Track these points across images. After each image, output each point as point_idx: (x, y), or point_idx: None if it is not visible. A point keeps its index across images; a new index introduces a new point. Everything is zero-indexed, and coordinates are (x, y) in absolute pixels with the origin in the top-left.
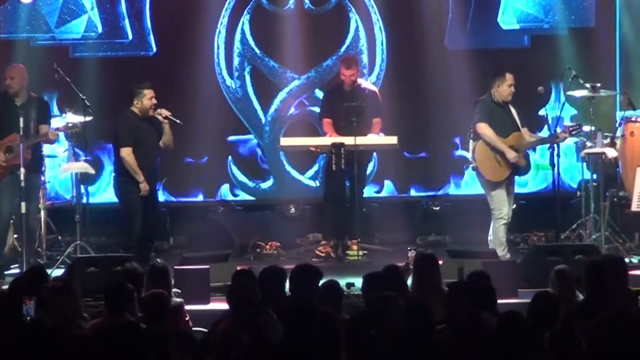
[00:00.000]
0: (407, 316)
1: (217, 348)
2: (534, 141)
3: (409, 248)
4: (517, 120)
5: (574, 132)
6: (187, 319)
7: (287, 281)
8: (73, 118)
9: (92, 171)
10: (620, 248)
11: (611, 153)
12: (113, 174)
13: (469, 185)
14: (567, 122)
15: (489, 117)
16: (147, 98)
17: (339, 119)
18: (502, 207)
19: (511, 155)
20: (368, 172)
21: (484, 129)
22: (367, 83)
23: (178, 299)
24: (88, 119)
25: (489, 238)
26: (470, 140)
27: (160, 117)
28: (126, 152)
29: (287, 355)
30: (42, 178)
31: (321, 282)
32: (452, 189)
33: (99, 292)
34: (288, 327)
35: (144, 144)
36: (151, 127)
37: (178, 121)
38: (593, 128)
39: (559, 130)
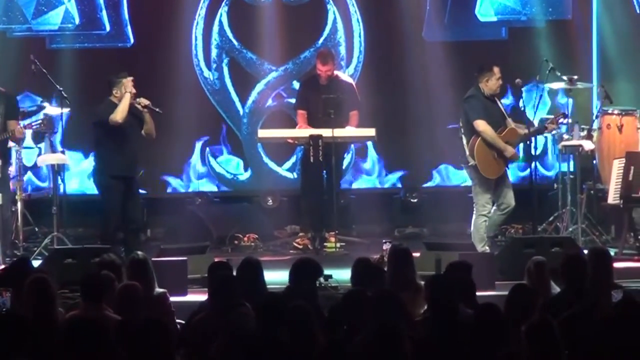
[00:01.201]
0: (377, 309)
1: (194, 339)
2: (526, 133)
3: (383, 241)
4: (504, 112)
5: (561, 122)
6: (172, 309)
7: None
8: (50, 110)
9: (68, 162)
10: (596, 240)
11: (588, 145)
12: (93, 164)
13: (446, 177)
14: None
15: (483, 112)
16: (126, 86)
17: (317, 111)
18: (486, 204)
19: (510, 153)
20: (345, 164)
21: (483, 126)
22: (345, 75)
23: (161, 289)
24: (65, 110)
25: (471, 231)
26: (463, 137)
27: (139, 107)
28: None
29: (263, 347)
30: (10, 169)
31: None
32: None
33: (76, 283)
34: (263, 320)
35: (123, 132)
36: (131, 116)
37: (157, 110)
38: (570, 120)
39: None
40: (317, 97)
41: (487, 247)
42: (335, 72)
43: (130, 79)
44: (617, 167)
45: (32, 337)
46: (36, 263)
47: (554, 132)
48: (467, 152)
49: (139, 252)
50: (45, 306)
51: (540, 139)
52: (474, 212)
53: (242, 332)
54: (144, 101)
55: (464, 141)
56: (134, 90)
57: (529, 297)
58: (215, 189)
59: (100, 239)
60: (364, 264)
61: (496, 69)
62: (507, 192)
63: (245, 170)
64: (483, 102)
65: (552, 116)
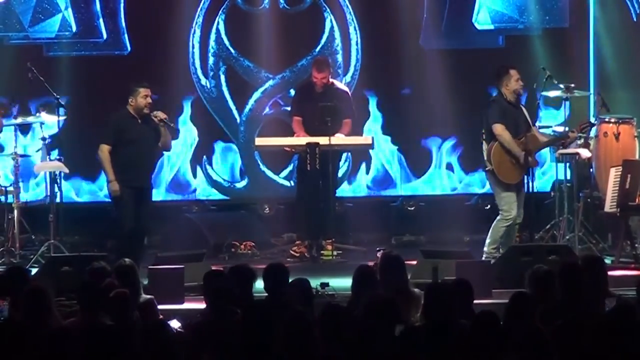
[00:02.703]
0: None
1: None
2: (546, 142)
3: (377, 248)
4: (529, 120)
5: (584, 130)
6: (159, 316)
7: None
8: (47, 117)
9: (66, 170)
10: (593, 249)
11: (585, 154)
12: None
13: (444, 184)
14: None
15: (503, 117)
16: (141, 96)
17: (313, 119)
18: (512, 208)
19: (523, 159)
20: (342, 172)
21: (500, 130)
22: (340, 83)
23: (148, 296)
24: (62, 118)
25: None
26: (483, 142)
27: (155, 120)
28: (101, 149)
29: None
30: None
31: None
32: (426, 189)
33: (73, 291)
34: (261, 326)
35: (137, 143)
36: (147, 126)
37: (172, 125)
38: (567, 128)
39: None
40: (313, 104)
41: (496, 252)
42: (331, 80)
43: (145, 89)
44: (614, 175)
45: (29, 345)
46: (33, 271)
47: (579, 140)
48: (485, 157)
49: (126, 259)
50: (43, 315)
51: None
52: (499, 215)
53: (234, 340)
54: (161, 115)
55: (485, 146)
56: (149, 100)
57: (529, 305)
58: (212, 196)
59: (114, 248)
60: (366, 271)
61: (513, 71)
62: (520, 204)
63: (242, 178)
64: (504, 107)
65: (584, 122)
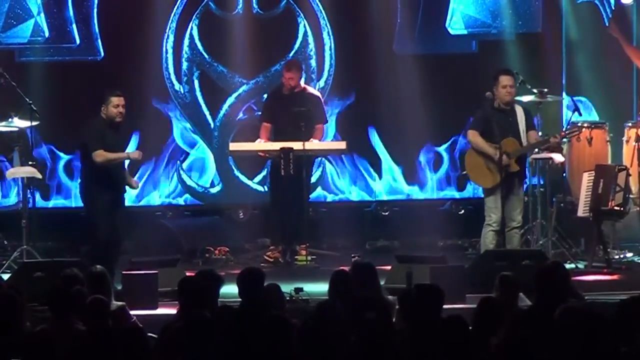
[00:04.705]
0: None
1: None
2: (526, 146)
3: (352, 255)
4: (519, 125)
5: (568, 135)
6: (133, 320)
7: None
8: (19, 123)
9: (39, 176)
10: (566, 253)
11: (558, 158)
12: (79, 181)
13: (418, 190)
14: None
15: (482, 123)
16: (112, 105)
17: (285, 124)
18: (492, 213)
19: (497, 156)
20: (315, 177)
21: (470, 136)
22: (312, 89)
23: (119, 302)
24: (35, 123)
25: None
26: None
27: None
28: (98, 154)
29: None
30: None
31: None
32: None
33: (46, 297)
34: (240, 332)
35: (112, 151)
36: (118, 135)
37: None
38: (540, 133)
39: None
40: (285, 109)
41: None
42: (304, 85)
43: (117, 98)
44: (586, 180)
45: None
46: (5, 276)
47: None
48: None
49: (98, 266)
50: (14, 321)
51: None
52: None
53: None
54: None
55: None
56: (121, 110)
57: (496, 310)
58: (186, 202)
59: (88, 254)
60: (342, 276)
61: (502, 77)
62: (512, 208)
63: (216, 183)
64: (487, 113)
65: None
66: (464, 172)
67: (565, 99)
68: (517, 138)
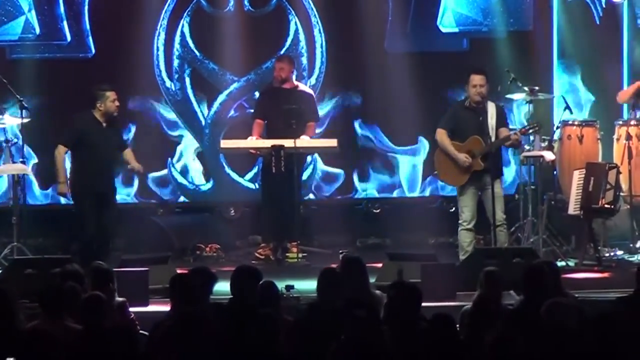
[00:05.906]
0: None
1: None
2: (490, 144)
3: (340, 251)
4: (488, 123)
5: (529, 132)
6: (132, 316)
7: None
8: (10, 120)
9: (29, 173)
10: (557, 251)
11: (549, 156)
12: (68, 177)
13: (409, 187)
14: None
15: (450, 122)
16: (110, 100)
17: (277, 121)
18: (463, 212)
19: (460, 159)
20: (307, 175)
21: (438, 135)
22: (305, 86)
23: (120, 299)
24: (26, 120)
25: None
26: None
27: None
28: (57, 150)
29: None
30: None
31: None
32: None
33: (37, 294)
34: (230, 329)
35: (98, 148)
36: (110, 131)
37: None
38: (531, 131)
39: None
40: (277, 107)
41: (463, 257)
42: (296, 83)
43: (113, 93)
44: (577, 178)
45: None
46: None
47: (543, 143)
48: None
49: (102, 262)
50: (7, 319)
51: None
52: None
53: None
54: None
55: None
56: (117, 103)
57: (484, 307)
58: (177, 199)
59: (77, 252)
60: (331, 274)
61: (472, 77)
62: (490, 206)
63: (207, 180)
64: (456, 111)
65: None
66: (435, 172)
67: (556, 97)
68: (485, 136)
